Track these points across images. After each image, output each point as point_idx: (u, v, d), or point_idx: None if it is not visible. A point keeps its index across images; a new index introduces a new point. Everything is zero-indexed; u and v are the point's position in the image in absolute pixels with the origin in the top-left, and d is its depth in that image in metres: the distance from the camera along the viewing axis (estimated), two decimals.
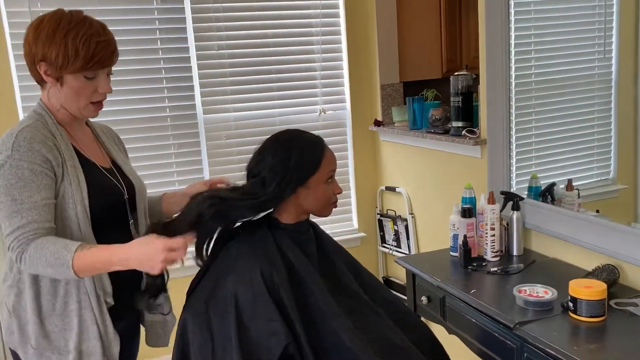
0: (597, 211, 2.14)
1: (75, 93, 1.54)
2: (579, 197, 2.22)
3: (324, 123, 3.48)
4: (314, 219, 1.71)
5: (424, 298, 2.24)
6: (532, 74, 2.46)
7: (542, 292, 1.85)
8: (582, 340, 1.64)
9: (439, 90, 3.22)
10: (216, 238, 1.60)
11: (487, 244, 2.27)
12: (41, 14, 1.55)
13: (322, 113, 3.46)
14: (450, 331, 2.13)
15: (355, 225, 3.64)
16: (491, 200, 2.26)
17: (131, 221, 1.68)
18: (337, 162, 1.65)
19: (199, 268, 1.61)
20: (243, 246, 1.55)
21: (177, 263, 1.44)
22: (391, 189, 3.43)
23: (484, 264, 2.22)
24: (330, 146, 1.63)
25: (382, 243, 3.60)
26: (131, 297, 1.61)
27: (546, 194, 2.32)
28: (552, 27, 2.43)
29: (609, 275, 1.88)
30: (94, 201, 1.54)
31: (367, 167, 3.59)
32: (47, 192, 1.47)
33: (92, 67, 1.51)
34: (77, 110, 1.57)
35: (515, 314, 1.78)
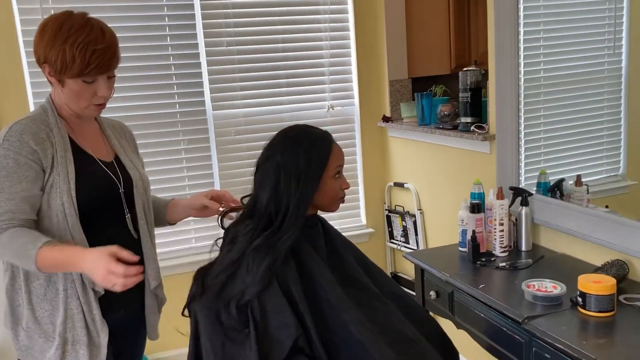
0: (607, 207, 2.14)
1: (75, 95, 1.58)
2: (588, 193, 2.22)
3: (333, 119, 3.48)
4: (322, 214, 1.72)
5: (432, 293, 2.25)
6: (541, 69, 2.46)
7: (551, 287, 1.85)
8: (591, 335, 1.64)
9: (447, 86, 3.21)
10: (226, 230, 1.62)
11: (495, 239, 2.27)
12: (52, 10, 1.57)
13: (331, 109, 3.46)
14: (458, 326, 2.13)
15: (364, 221, 3.64)
16: (500, 195, 2.27)
17: (127, 215, 1.70)
18: (346, 158, 1.66)
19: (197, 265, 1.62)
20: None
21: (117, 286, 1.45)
22: (399, 185, 3.43)
23: (492, 259, 2.23)
24: (338, 142, 1.64)
25: (390, 239, 3.60)
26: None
27: (555, 190, 2.32)
28: (561, 22, 2.43)
29: (619, 270, 1.88)
30: (82, 192, 1.57)
31: (375, 163, 3.60)
32: (29, 184, 1.52)
33: (89, 73, 1.54)
34: (79, 110, 1.62)
35: (524, 309, 1.79)
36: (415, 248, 3.34)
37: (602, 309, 1.69)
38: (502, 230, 2.25)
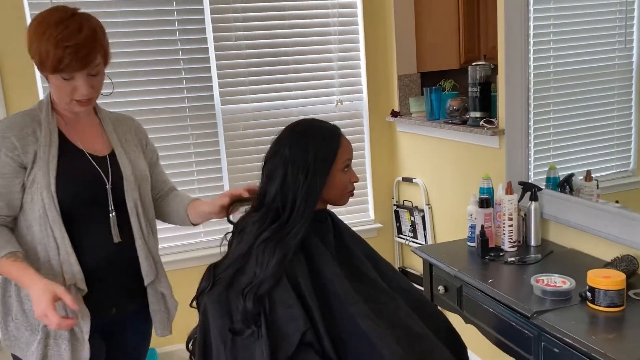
0: (617, 202, 2.12)
1: (57, 90, 1.59)
2: (598, 188, 2.21)
3: (341, 114, 3.48)
4: (331, 208, 1.72)
5: (441, 288, 2.25)
6: (551, 64, 2.44)
7: (560, 281, 1.85)
8: (600, 329, 1.64)
9: (456, 81, 3.20)
10: (235, 224, 1.62)
11: (504, 234, 2.26)
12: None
13: (339, 104, 3.46)
14: (467, 321, 2.13)
15: (372, 216, 3.65)
16: (509, 190, 2.26)
17: (112, 214, 1.67)
18: (354, 152, 1.65)
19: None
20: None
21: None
22: (408, 180, 3.43)
23: (501, 254, 2.22)
24: (347, 137, 1.63)
25: (398, 234, 3.60)
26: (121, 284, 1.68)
27: (564, 185, 2.31)
28: (571, 16, 2.41)
29: (628, 265, 1.87)
30: (63, 188, 1.57)
31: (383, 158, 3.59)
32: (5, 180, 1.55)
33: (63, 70, 1.52)
34: (64, 105, 1.62)
35: (533, 304, 1.78)
36: (424, 243, 3.34)
37: (612, 304, 1.68)
38: (511, 225, 2.25)
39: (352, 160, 1.63)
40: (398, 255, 3.65)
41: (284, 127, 1.62)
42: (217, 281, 1.52)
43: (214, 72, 3.21)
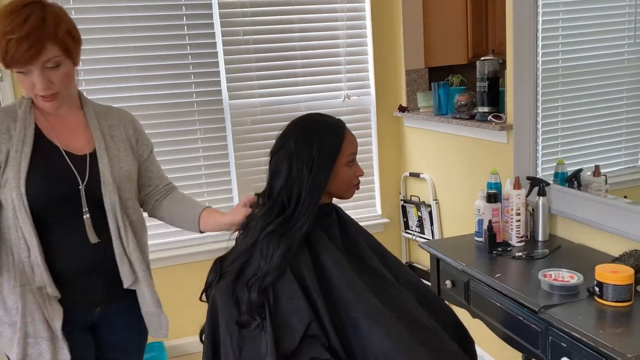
0: (625, 197, 2.12)
1: (22, 85, 1.53)
2: (606, 183, 2.21)
3: (349, 109, 3.48)
4: (338, 203, 1.72)
5: (448, 282, 2.25)
6: (560, 59, 2.43)
7: (568, 276, 1.84)
8: (608, 324, 1.64)
9: (464, 76, 3.20)
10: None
11: (512, 229, 2.26)
12: (73, 12, 1.54)
13: (347, 99, 3.46)
14: (474, 315, 2.13)
15: (379, 211, 3.65)
16: (517, 185, 2.26)
17: (86, 215, 1.60)
18: (361, 147, 1.65)
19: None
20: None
21: None
22: (415, 175, 3.43)
23: (508, 249, 2.22)
24: (354, 132, 1.63)
25: (405, 229, 3.61)
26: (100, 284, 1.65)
27: (573, 180, 2.30)
28: (580, 10, 2.40)
29: (637, 260, 1.86)
30: (32, 188, 1.52)
31: (391, 153, 3.59)
32: None
33: (11, 64, 1.46)
34: (35, 100, 1.56)
35: (541, 298, 1.78)
36: (431, 238, 3.34)
37: (620, 298, 1.68)
38: (519, 220, 2.25)
39: (359, 155, 1.62)
40: (405, 250, 3.66)
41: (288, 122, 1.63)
42: (224, 274, 1.53)
43: (221, 67, 3.22)
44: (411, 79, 3.39)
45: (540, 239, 2.29)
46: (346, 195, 1.64)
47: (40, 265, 1.54)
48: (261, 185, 1.67)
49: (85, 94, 2.93)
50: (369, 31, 3.44)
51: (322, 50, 3.40)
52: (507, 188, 2.29)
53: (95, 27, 2.92)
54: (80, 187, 1.59)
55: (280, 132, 1.61)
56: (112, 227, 1.63)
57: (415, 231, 3.50)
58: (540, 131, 2.42)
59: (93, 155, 1.63)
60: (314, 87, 3.41)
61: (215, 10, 3.16)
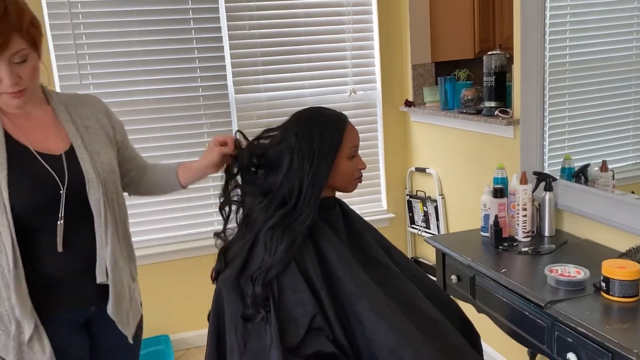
0: (632, 192, 2.11)
1: None
2: (613, 179, 2.20)
3: (355, 103, 3.47)
4: (342, 197, 1.72)
5: (453, 277, 2.25)
6: (567, 54, 2.42)
7: (574, 272, 1.84)
8: (615, 319, 1.63)
9: (471, 70, 3.19)
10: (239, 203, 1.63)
11: (518, 224, 2.26)
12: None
13: (353, 93, 3.46)
14: (479, 310, 2.13)
15: (385, 206, 3.65)
16: (523, 180, 2.25)
17: (60, 221, 1.50)
18: (367, 142, 1.64)
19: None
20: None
21: None
22: (421, 170, 3.42)
23: (515, 244, 2.22)
24: (360, 127, 1.62)
25: (411, 224, 3.60)
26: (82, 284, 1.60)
27: (580, 175, 2.29)
28: (588, 5, 2.39)
29: None
30: (18, 199, 1.44)
31: (397, 147, 3.59)
32: None
33: None
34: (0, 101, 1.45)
35: (547, 293, 1.78)
36: (436, 233, 3.34)
37: (626, 294, 1.68)
38: (525, 215, 2.24)
39: (365, 150, 1.61)
40: (410, 245, 3.65)
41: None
42: (228, 266, 1.54)
43: (227, 62, 3.22)
44: (417, 73, 3.38)
45: (546, 234, 2.28)
46: (348, 188, 1.63)
47: (19, 274, 1.47)
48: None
49: (91, 88, 2.98)
50: (375, 25, 3.43)
51: (328, 45, 3.39)
52: (514, 183, 2.28)
53: (102, 22, 2.93)
54: (60, 191, 1.49)
55: (281, 125, 1.60)
56: (97, 228, 1.56)
57: (421, 226, 3.50)
58: (547, 126, 2.41)
59: (70, 153, 1.53)
60: (319, 81, 3.41)
61: (222, 5, 3.15)
